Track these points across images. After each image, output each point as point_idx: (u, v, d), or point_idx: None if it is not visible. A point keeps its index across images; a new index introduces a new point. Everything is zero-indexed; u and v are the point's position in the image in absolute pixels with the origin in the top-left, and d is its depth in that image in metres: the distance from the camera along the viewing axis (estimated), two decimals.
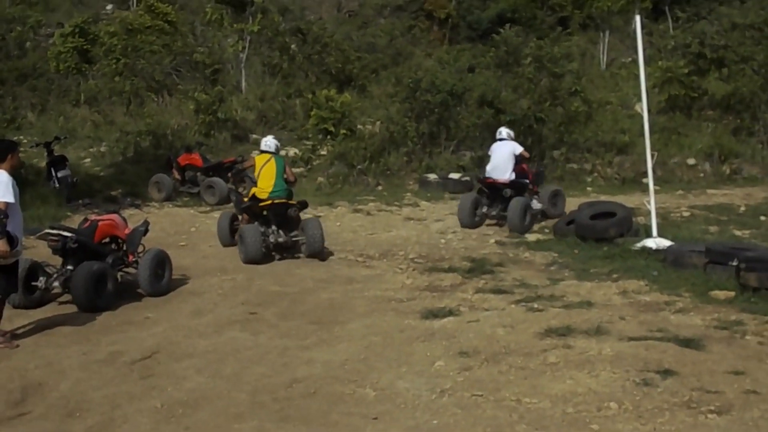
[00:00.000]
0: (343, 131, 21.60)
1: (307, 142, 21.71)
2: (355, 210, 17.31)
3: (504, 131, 16.29)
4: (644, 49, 13.17)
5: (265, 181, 13.02)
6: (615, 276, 10.88)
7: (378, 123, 22.60)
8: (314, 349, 8.03)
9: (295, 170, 20.22)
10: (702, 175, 20.92)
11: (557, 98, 21.48)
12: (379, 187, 19.90)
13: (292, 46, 27.44)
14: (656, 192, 15.26)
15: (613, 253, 12.19)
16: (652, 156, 13.22)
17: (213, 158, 19.52)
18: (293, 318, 9.23)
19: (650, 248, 12.18)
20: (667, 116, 23.72)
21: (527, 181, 15.86)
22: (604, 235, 13.02)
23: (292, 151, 21.24)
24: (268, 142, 13.55)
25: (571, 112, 21.50)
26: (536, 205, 15.82)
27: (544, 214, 16.02)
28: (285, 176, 13.17)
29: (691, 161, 21.21)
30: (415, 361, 7.51)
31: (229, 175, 18.37)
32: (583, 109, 21.82)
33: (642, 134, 13.50)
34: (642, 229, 13.31)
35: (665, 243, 12.17)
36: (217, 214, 16.56)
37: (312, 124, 22.19)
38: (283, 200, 12.93)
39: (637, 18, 13.54)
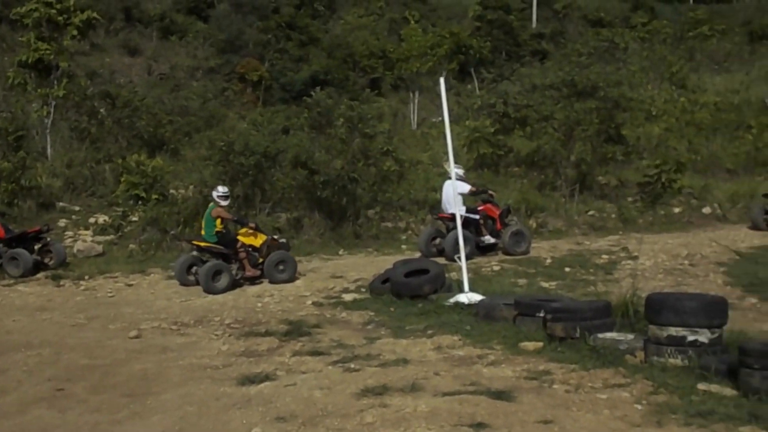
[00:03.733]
0: (155, 196, 21.14)
1: (118, 209, 21.10)
2: (169, 277, 16.87)
3: (455, 171, 16.60)
4: (452, 109, 13.61)
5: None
6: (430, 332, 11.02)
7: (191, 187, 22.26)
8: (127, 423, 7.73)
9: (105, 238, 19.71)
10: None
11: (370, 158, 21.85)
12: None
13: (101, 110, 26.74)
14: None
15: (428, 310, 12.40)
16: (461, 213, 13.56)
17: (16, 228, 18.66)
18: (104, 391, 8.87)
19: (463, 303, 12.44)
20: (476, 173, 24.47)
21: (475, 216, 18.19)
22: (418, 292, 13.22)
23: (102, 218, 20.62)
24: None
25: (384, 172, 21.90)
26: (488, 239, 18.29)
27: (507, 252, 18.15)
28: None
29: None
30: (231, 429, 7.35)
31: (36, 246, 17.64)
32: (395, 168, 22.26)
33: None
34: (455, 285, 13.57)
35: (477, 297, 12.45)
36: (22, 287, 15.86)
37: (122, 189, 21.62)
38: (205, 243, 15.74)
39: (441, 80, 13.97)
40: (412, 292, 13.24)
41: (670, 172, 22.94)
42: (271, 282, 15.95)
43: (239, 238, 16.24)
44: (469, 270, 13.51)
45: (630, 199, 23.18)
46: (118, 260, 18.68)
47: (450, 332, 10.86)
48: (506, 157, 25.69)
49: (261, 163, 21.01)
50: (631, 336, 9.44)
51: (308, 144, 22.51)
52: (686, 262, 16.85)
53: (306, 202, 21.18)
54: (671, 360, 8.53)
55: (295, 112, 29.84)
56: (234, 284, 15.67)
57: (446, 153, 14.28)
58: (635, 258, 16.97)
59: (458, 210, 15.34)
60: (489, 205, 18.88)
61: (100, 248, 19.36)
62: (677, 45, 44.58)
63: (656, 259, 16.98)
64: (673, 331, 8.56)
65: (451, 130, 14.03)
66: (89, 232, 20.24)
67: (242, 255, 16.00)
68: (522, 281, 15.21)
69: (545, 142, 24.23)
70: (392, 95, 39.41)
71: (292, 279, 16.09)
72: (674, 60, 37.26)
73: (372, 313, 12.69)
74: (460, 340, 10.47)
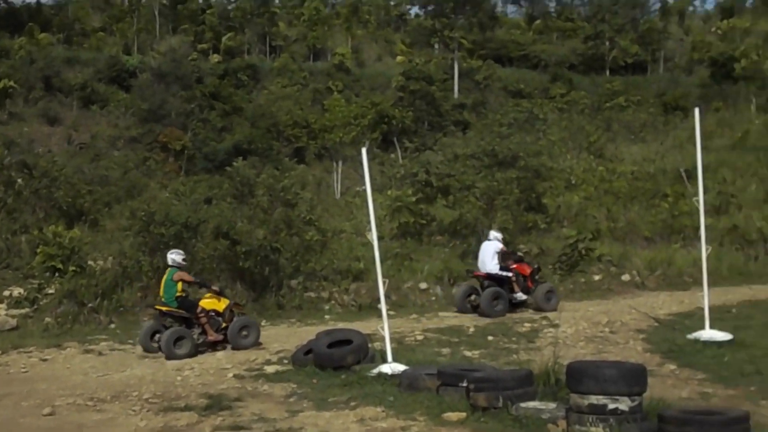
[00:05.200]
0: (72, 268, 20.67)
1: (33, 281, 20.61)
2: (86, 351, 16.43)
3: (491, 233, 20.13)
4: (375, 178, 13.67)
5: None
6: (353, 404, 10.89)
7: (110, 258, 21.86)
8: None
9: (20, 311, 19.18)
10: (434, 298, 21.63)
11: (292, 228, 21.75)
12: (112, 325, 19.13)
13: (18, 180, 26.27)
14: (391, 317, 15.66)
15: (351, 381, 12.26)
16: (384, 282, 13.55)
17: None
18: None
19: (386, 374, 12.35)
20: (399, 242, 24.56)
21: (508, 274, 19.39)
22: (341, 363, 13.09)
23: (17, 291, 20.09)
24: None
25: (307, 241, 21.81)
26: (520, 296, 19.45)
27: (538, 308, 19.33)
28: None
29: (423, 285, 21.91)
30: None
31: None
32: (318, 238, 22.19)
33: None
34: (378, 355, 13.48)
35: (400, 368, 12.38)
36: None
37: (38, 261, 21.13)
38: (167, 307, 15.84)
39: (364, 150, 14.06)
40: (335, 363, 13.10)
41: (587, 240, 23.29)
42: (234, 348, 15.85)
43: (201, 303, 16.13)
44: (392, 339, 13.45)
45: (550, 267, 23.42)
46: (33, 334, 18.14)
47: (373, 404, 10.74)
48: (429, 226, 25.83)
49: (182, 233, 20.74)
50: (553, 405, 9.45)
51: (230, 214, 22.34)
52: (607, 329, 17.02)
53: (228, 273, 20.92)
54: (593, 428, 8.54)
55: (217, 181, 29.77)
56: (197, 350, 15.60)
57: (369, 222, 14.31)
58: (556, 326, 17.07)
59: (490, 268, 19.03)
60: (521, 264, 20.09)
61: (14, 322, 18.80)
62: (595, 115, 45.84)
63: (577, 327, 17.12)
64: (594, 399, 8.59)
65: (374, 199, 14.10)
66: (3, 306, 19.66)
67: (203, 320, 15.88)
68: (445, 350, 15.17)
69: (467, 211, 24.45)
70: (316, 164, 39.63)
71: (255, 344, 15.98)
72: (592, 130, 38.23)
73: (294, 385, 12.50)
74: (383, 411, 10.35)
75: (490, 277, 19.41)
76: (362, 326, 16.78)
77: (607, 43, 70.66)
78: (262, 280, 20.75)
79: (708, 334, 14.98)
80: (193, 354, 15.38)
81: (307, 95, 50.14)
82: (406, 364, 12.63)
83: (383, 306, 13.51)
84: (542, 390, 10.10)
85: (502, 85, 59.95)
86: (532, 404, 9.50)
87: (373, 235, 13.81)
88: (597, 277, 23.57)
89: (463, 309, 19.52)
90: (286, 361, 14.52)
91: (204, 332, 15.93)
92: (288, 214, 22.05)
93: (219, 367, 14.43)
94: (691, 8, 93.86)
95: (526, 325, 17.68)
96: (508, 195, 23.94)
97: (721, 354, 13.87)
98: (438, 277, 22.16)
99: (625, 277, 23.53)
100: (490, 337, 16.41)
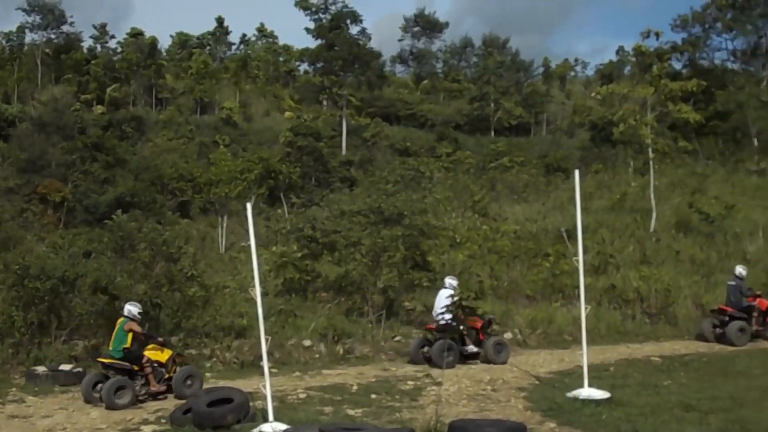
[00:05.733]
0: None
1: None
2: None
3: (447, 281, 21.16)
4: (261, 234, 13.55)
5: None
6: None
7: None
8: None
9: None
10: (318, 355, 21.41)
11: (174, 283, 21.28)
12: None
13: None
14: (274, 375, 15.48)
15: None
16: (267, 339, 13.38)
17: None
18: None
19: None
20: (283, 299, 24.32)
21: (455, 324, 19.94)
22: (221, 422, 12.85)
23: None
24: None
25: (189, 297, 21.37)
26: (471, 348, 20.20)
27: (488, 360, 20.03)
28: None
29: (307, 342, 21.67)
30: None
31: None
32: (201, 293, 21.78)
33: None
34: (259, 414, 13.27)
35: (281, 427, 12.21)
36: None
37: None
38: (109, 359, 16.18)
39: (249, 205, 13.97)
40: (215, 423, 12.85)
41: (470, 299, 23.50)
42: (177, 397, 16.09)
43: (145, 353, 16.54)
44: (274, 398, 13.25)
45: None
46: None
47: None
48: (314, 282, 25.68)
49: (58, 287, 20.05)
50: None
51: (110, 268, 21.73)
52: (489, 387, 17.14)
53: (106, 329, 20.18)
54: None
55: (97, 234, 29.00)
56: (137, 400, 15.90)
57: (253, 278, 14.18)
58: (439, 384, 17.11)
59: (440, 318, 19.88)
60: (473, 317, 20.54)
61: None
62: (479, 175, 46.73)
63: (460, 385, 17.19)
64: None
65: (259, 255, 13.97)
66: None
67: (148, 370, 16.32)
68: (328, 409, 15.00)
69: (353, 268, 24.39)
70: (201, 219, 39.18)
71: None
72: (477, 189, 38.89)
73: None
74: None
75: (440, 329, 20.04)
76: (244, 384, 16.54)
77: (492, 105, 72.38)
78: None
79: (586, 392, 15.24)
80: (133, 403, 15.67)
81: (192, 148, 49.72)
82: (288, 423, 12.46)
83: (265, 363, 13.32)
84: None
85: (390, 143, 60.61)
86: None
87: (257, 291, 13.67)
88: None
89: (416, 360, 20.17)
90: (164, 421, 14.14)
91: (147, 383, 16.34)
92: (170, 269, 21.57)
93: (93, 428, 13.94)
94: (572, 73, 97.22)
95: (410, 382, 17.66)
96: (394, 252, 24.00)
97: (599, 412, 14.10)
98: (322, 334, 21.97)
99: (508, 335, 23.79)
100: (373, 395, 16.30)
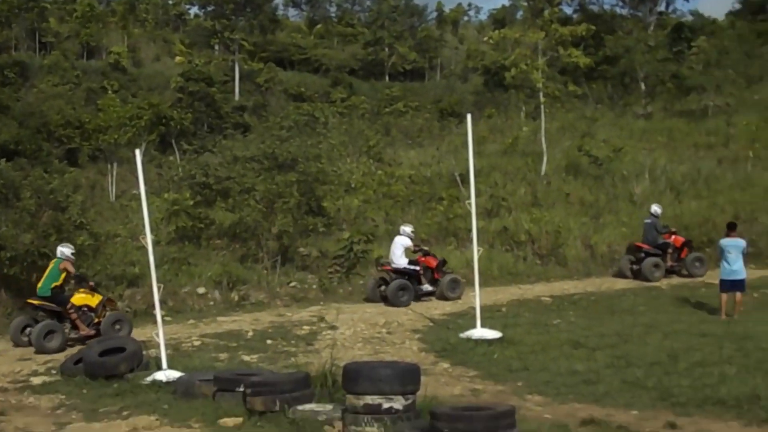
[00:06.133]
0: None
1: None
2: None
3: (402, 228, 21.57)
4: (153, 181, 13.33)
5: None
6: (125, 413, 10.58)
7: None
8: None
9: None
10: (212, 303, 21.25)
11: (62, 232, 20.72)
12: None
13: None
14: (167, 323, 15.35)
15: (124, 390, 11.97)
16: (159, 287, 13.24)
17: None
18: None
19: (161, 381, 12.11)
20: (176, 246, 23.98)
21: (415, 268, 20.94)
22: (114, 371, 12.71)
23: None
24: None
25: (78, 246, 20.87)
26: (426, 288, 21.10)
27: (443, 297, 21.00)
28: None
29: (201, 290, 21.48)
30: None
31: None
32: (90, 242, 21.31)
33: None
34: (153, 362, 13.16)
35: (175, 375, 12.14)
36: None
37: None
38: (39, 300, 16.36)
39: (138, 151, 13.69)
40: (107, 372, 12.71)
41: (363, 243, 23.63)
42: None
43: (72, 300, 16.75)
44: (168, 346, 13.17)
45: (329, 269, 23.56)
46: None
47: (147, 412, 10.48)
48: (208, 230, 25.35)
49: None
50: (329, 406, 9.52)
51: None
52: (384, 330, 17.36)
53: None
54: (368, 428, 8.65)
55: None
56: (66, 344, 16.10)
57: (144, 226, 13.98)
58: (335, 328, 17.24)
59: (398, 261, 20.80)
60: (428, 257, 21.60)
61: None
62: (374, 120, 46.63)
63: (355, 329, 17.35)
64: (369, 399, 8.70)
65: (151, 203, 13.75)
66: None
67: (73, 316, 16.49)
68: (223, 355, 14.98)
69: (247, 215, 24.16)
70: (90, 167, 38.15)
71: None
72: (372, 134, 38.85)
73: (63, 397, 12.01)
74: (157, 420, 10.11)
75: (396, 271, 20.84)
76: (137, 333, 16.42)
77: (387, 50, 72.12)
78: (30, 287, 19.67)
79: (479, 332, 15.57)
80: (63, 348, 15.82)
81: (80, 94, 48.09)
82: (182, 371, 12.40)
83: (158, 311, 13.22)
84: (319, 392, 10.16)
85: (283, 88, 59.92)
86: (308, 407, 9.53)
87: (148, 239, 13.48)
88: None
89: (373, 298, 21.02)
90: (54, 372, 13.91)
91: (75, 327, 16.50)
92: (58, 218, 21.00)
93: None
94: (466, 18, 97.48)
95: (305, 327, 17.73)
96: (288, 198, 23.84)
97: (491, 351, 14.45)
98: (217, 281, 21.81)
99: None
100: (269, 341, 16.34)
